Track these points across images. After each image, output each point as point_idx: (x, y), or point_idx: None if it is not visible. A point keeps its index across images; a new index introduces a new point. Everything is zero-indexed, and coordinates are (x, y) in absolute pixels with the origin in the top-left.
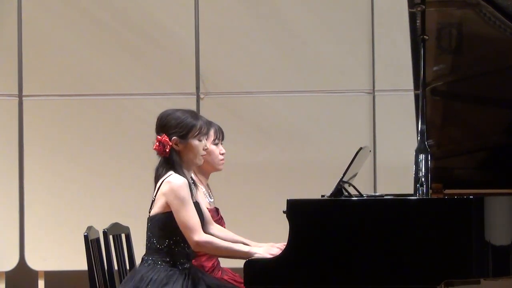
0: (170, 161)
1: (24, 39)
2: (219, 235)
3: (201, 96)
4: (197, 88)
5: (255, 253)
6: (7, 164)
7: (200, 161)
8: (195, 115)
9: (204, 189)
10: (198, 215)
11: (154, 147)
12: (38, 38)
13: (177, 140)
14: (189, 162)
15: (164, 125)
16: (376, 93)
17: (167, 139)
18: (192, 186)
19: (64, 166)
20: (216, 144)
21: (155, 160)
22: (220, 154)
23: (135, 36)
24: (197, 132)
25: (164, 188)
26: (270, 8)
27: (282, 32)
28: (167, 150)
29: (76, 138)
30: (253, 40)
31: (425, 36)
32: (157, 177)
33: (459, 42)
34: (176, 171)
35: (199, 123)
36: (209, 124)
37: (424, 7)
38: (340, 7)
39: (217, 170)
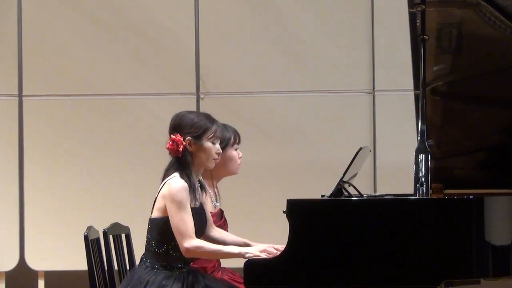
0: (181, 162)
1: (24, 39)
2: (218, 238)
3: (201, 96)
4: (197, 88)
5: (246, 252)
6: (7, 164)
7: (211, 164)
8: (210, 118)
9: (212, 194)
10: (202, 218)
11: (167, 146)
12: (38, 38)
13: (191, 140)
14: (200, 164)
15: (179, 124)
16: (376, 93)
17: (181, 139)
18: (198, 189)
19: (64, 166)
20: (236, 149)
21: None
22: (238, 158)
23: (135, 36)
24: (212, 135)
25: (164, 190)
26: (270, 8)
27: (282, 32)
28: (180, 149)
29: (76, 138)
30: (253, 40)
31: (425, 36)
32: (164, 177)
33: (459, 42)
34: (181, 174)
35: (214, 126)
36: (225, 128)
37: (424, 7)
38: (340, 7)
39: (234, 174)
